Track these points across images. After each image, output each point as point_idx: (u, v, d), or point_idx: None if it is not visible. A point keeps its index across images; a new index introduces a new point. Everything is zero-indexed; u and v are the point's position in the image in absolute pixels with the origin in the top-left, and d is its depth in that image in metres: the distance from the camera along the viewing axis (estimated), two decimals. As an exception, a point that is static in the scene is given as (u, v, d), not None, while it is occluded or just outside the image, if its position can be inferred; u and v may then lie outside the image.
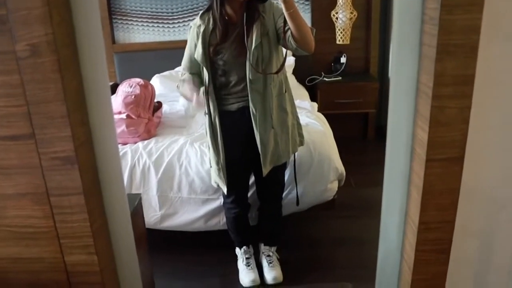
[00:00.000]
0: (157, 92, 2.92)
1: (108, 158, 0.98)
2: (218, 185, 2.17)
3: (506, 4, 0.88)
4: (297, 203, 2.29)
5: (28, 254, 1.01)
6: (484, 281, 1.18)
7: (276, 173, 2.13)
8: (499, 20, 0.87)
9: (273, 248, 2.32)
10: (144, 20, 3.80)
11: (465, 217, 1.04)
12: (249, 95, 1.93)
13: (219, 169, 2.06)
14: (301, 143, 2.18)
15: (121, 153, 2.40)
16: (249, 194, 2.27)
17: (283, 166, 2.17)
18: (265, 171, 2.02)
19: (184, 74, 2.06)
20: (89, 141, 0.96)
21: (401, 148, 0.98)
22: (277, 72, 1.95)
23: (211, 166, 2.14)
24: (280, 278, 2.22)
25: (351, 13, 3.56)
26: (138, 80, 2.62)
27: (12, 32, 0.84)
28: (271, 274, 2.23)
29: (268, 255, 2.29)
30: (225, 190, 2.10)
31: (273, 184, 2.19)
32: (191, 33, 2.00)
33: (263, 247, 2.33)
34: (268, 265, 2.26)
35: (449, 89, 0.86)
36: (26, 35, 0.84)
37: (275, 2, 1.85)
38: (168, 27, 3.81)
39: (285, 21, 1.78)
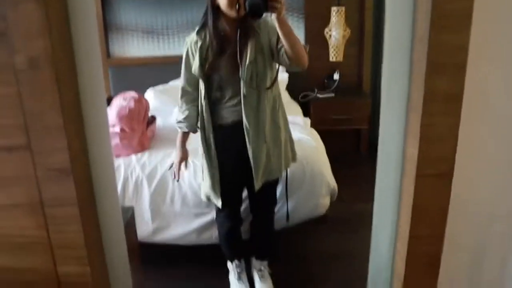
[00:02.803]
0: (151, 106, 2.94)
1: (103, 170, 0.99)
2: (208, 199, 2.17)
3: (491, 28, 0.91)
4: (287, 219, 2.30)
5: (21, 264, 1.00)
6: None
7: (268, 188, 2.14)
8: (485, 41, 0.90)
9: (265, 263, 2.32)
10: (140, 34, 3.82)
11: (456, 231, 1.06)
12: (243, 110, 1.96)
13: (213, 183, 2.06)
14: (294, 159, 2.20)
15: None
16: (242, 208, 2.27)
17: (275, 182, 2.18)
18: (257, 186, 2.02)
19: (184, 109, 2.10)
20: (85, 152, 0.97)
21: (392, 165, 1.00)
22: (269, 88, 1.97)
23: (203, 180, 2.14)
24: None
25: (344, 30, 3.62)
26: (132, 93, 2.64)
27: (11, 45, 0.85)
28: None
29: (260, 269, 2.29)
30: (218, 204, 2.10)
31: (265, 199, 2.20)
32: (187, 49, 2.03)
33: (254, 261, 2.33)
34: (260, 279, 2.26)
35: (439, 106, 0.89)
36: (25, 48, 0.85)
37: (269, 19, 1.89)
38: (163, 41, 3.85)
39: (278, 38, 1.81)
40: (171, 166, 2.26)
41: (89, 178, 0.99)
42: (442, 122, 0.90)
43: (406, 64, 0.94)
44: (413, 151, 0.93)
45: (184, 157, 2.18)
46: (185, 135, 2.16)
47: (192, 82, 2.05)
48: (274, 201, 2.27)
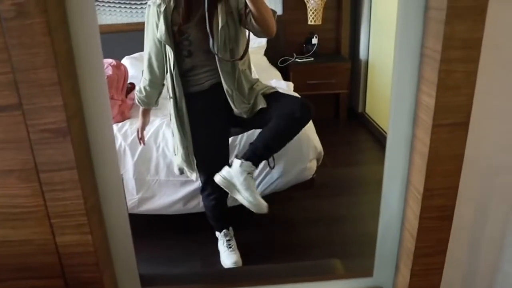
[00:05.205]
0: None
1: (101, 131, 0.92)
2: (181, 172, 2.12)
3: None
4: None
5: (15, 236, 0.93)
6: (478, 246, 1.19)
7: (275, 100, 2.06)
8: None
9: (248, 163, 1.99)
10: (111, 1, 3.66)
11: (463, 184, 1.05)
12: (221, 75, 1.91)
13: (187, 154, 2.01)
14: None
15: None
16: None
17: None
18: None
19: (146, 85, 2.07)
20: (81, 112, 0.89)
21: (404, 115, 0.96)
22: (243, 56, 1.93)
23: (175, 154, 2.09)
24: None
25: (323, -7, 3.55)
26: (110, 60, 2.52)
27: (-6, -9, 0.76)
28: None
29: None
30: (192, 177, 2.07)
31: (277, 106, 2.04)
32: (150, 13, 1.94)
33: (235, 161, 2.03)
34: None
35: (457, 53, 0.85)
36: (11, -6, 0.76)
37: None
38: (136, 8, 3.69)
39: (246, 3, 1.75)
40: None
41: (86, 140, 0.91)
42: (460, 69, 0.86)
43: (421, 10, 0.89)
44: (429, 100, 0.89)
45: (144, 123, 2.22)
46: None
47: (155, 50, 1.98)
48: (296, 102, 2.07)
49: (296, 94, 2.83)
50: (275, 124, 1.94)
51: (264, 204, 1.98)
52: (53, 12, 0.78)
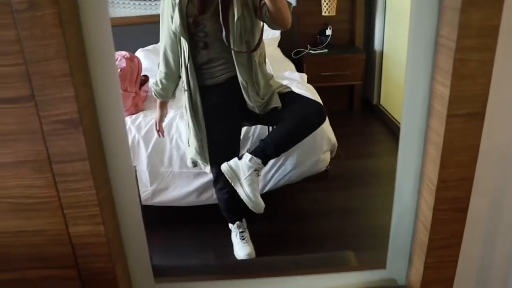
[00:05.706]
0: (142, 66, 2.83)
1: (113, 122, 0.92)
2: (195, 165, 2.13)
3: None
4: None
5: (29, 226, 0.95)
6: (493, 239, 1.17)
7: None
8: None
9: (258, 160, 1.98)
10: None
11: (477, 176, 1.03)
12: (236, 67, 1.91)
13: (201, 146, 2.02)
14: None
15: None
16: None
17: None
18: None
19: (162, 77, 2.08)
20: (92, 104, 0.90)
21: (418, 105, 0.95)
22: (256, 48, 1.92)
23: (189, 145, 2.10)
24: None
25: (337, -17, 3.52)
26: (123, 53, 2.53)
27: (7, -18, 0.77)
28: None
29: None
30: (207, 169, 2.07)
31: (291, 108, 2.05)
32: (165, 5, 1.93)
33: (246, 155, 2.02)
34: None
35: (473, 41, 0.83)
36: (22, -14, 0.76)
37: None
38: (150, 1, 3.70)
39: None
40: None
41: (98, 131, 0.92)
42: (476, 57, 0.84)
43: (435, -2, 0.88)
44: (443, 90, 0.88)
45: (162, 116, 2.24)
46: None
47: (170, 43, 1.98)
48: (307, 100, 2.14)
49: (310, 86, 2.82)
50: (287, 125, 1.97)
51: (262, 204, 2.00)
52: (64, 4, 0.78)
